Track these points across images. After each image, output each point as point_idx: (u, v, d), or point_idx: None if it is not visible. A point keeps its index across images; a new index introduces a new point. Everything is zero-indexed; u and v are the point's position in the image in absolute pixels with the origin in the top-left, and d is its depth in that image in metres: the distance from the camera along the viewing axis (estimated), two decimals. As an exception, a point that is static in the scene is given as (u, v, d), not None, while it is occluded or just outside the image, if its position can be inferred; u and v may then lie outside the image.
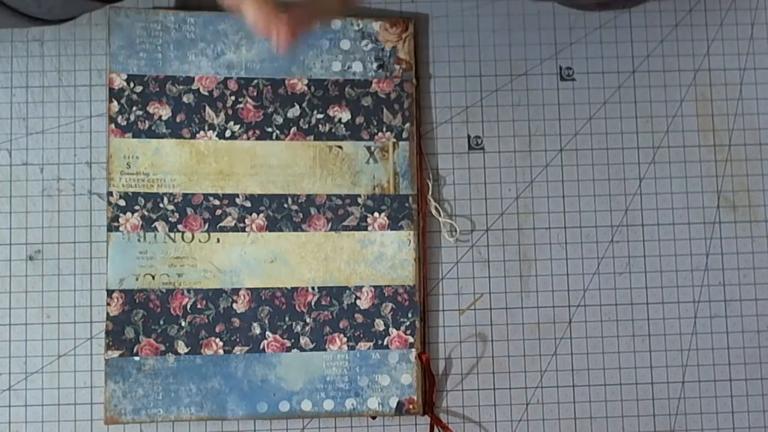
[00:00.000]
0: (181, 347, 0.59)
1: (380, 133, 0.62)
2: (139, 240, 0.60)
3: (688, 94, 0.64)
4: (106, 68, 0.62)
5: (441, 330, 0.62)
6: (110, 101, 0.60)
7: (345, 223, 0.61)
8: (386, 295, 0.60)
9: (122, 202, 0.60)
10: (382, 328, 0.60)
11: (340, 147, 0.61)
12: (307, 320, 0.60)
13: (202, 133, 0.61)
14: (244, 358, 0.60)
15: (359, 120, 0.62)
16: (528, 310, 0.62)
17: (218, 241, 0.60)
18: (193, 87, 0.61)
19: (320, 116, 0.61)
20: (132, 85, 0.60)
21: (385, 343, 0.60)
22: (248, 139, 0.61)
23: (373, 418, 0.61)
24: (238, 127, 0.61)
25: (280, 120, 0.61)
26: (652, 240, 0.63)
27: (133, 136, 0.60)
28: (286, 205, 0.61)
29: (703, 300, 0.63)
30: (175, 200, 0.60)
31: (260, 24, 0.44)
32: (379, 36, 0.62)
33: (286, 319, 0.60)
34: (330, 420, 0.61)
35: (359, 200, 0.61)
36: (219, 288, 0.60)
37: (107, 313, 0.59)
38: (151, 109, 0.61)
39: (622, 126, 0.64)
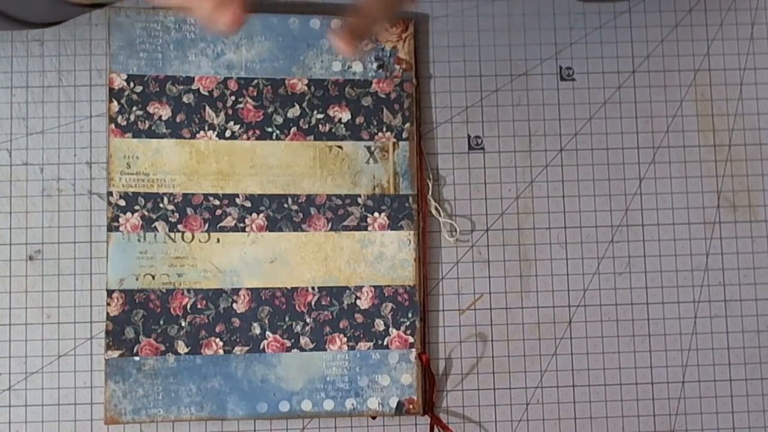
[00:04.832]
0: (181, 347, 0.59)
1: (380, 133, 0.62)
2: (139, 240, 0.60)
3: (688, 94, 0.64)
4: (106, 68, 0.62)
5: (441, 330, 0.62)
6: (110, 101, 0.60)
7: (345, 223, 0.61)
8: (386, 295, 0.60)
9: (122, 202, 0.60)
10: (382, 328, 0.60)
11: (340, 147, 0.61)
12: (307, 320, 0.60)
13: (202, 133, 0.61)
14: (244, 358, 0.60)
15: (359, 120, 0.62)
16: (528, 310, 0.62)
17: (218, 241, 0.60)
18: (193, 87, 0.61)
19: (320, 116, 0.61)
20: (132, 85, 0.60)
21: (385, 343, 0.60)
22: (248, 139, 0.61)
23: (373, 418, 0.61)
24: (238, 127, 0.61)
25: (280, 120, 0.61)
26: (652, 240, 0.63)
27: (133, 136, 0.60)
28: (286, 205, 0.61)
29: (703, 300, 0.63)
30: (175, 200, 0.60)
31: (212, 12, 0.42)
32: (379, 36, 0.62)
33: (286, 319, 0.60)
34: (330, 420, 0.61)
35: (359, 200, 0.61)
36: (219, 288, 0.60)
37: (107, 313, 0.59)
38: (151, 109, 0.61)
39: (622, 126, 0.64)
